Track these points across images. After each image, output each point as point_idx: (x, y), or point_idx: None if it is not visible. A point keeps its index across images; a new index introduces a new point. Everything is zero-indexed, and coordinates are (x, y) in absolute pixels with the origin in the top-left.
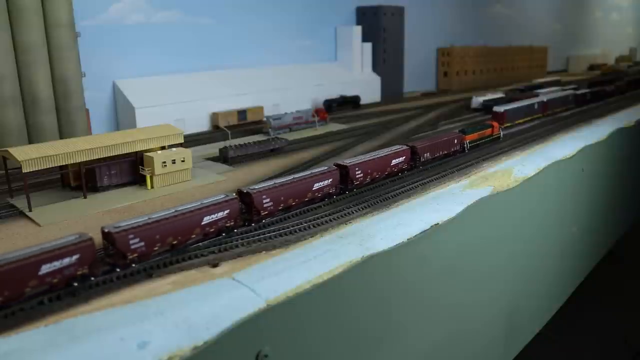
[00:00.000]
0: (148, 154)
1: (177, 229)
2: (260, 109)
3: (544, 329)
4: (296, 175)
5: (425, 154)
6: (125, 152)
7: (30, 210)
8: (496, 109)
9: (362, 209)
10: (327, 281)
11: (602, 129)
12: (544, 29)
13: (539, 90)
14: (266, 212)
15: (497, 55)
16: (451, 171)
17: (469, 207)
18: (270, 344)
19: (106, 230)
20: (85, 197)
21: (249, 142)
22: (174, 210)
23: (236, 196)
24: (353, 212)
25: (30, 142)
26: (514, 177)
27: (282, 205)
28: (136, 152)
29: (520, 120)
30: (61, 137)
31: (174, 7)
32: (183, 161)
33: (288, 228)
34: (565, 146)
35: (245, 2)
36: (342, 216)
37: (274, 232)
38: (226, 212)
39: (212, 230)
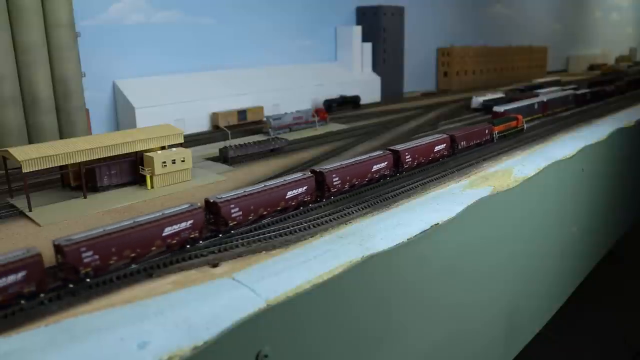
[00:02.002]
0: (148, 154)
1: (136, 241)
2: (260, 109)
3: (544, 329)
4: (268, 183)
5: (462, 142)
6: (125, 152)
7: (30, 210)
8: (496, 109)
9: (362, 209)
10: (327, 281)
11: (602, 129)
12: (544, 29)
13: (538, 90)
14: (235, 222)
15: (497, 55)
16: (451, 171)
17: (469, 207)
18: (270, 344)
19: (56, 243)
20: (85, 197)
21: (249, 142)
22: (132, 222)
23: (200, 206)
24: (353, 212)
25: (30, 142)
26: (514, 177)
27: (252, 215)
28: (136, 152)
29: None
30: (61, 137)
31: (174, 7)
32: (183, 161)
33: (288, 228)
34: (565, 146)
35: (245, 2)
36: (342, 216)
37: (274, 232)
38: (190, 222)
39: (174, 242)
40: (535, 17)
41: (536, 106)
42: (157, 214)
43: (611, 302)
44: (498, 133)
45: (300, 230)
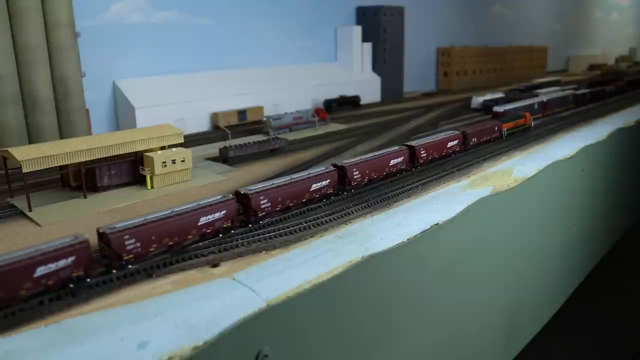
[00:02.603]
0: (148, 154)
1: (174, 230)
2: (260, 109)
3: (544, 329)
4: (294, 176)
5: (473, 139)
6: (125, 152)
7: (30, 210)
8: (496, 108)
9: (362, 209)
10: (327, 281)
11: (602, 129)
12: (544, 29)
13: (538, 90)
14: (264, 213)
15: (497, 55)
16: (451, 171)
17: (469, 207)
18: (270, 344)
19: (101, 231)
20: (85, 197)
21: (249, 142)
22: (170, 211)
23: (233, 197)
24: (353, 212)
25: (31, 142)
26: (514, 177)
27: (279, 206)
28: (136, 152)
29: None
30: (61, 137)
31: (174, 7)
32: (183, 161)
33: (288, 228)
34: (565, 146)
35: (245, 2)
36: (342, 216)
37: (273, 232)
38: (223, 212)
39: (208, 231)
40: (535, 17)
41: (536, 106)
42: (193, 204)
43: (611, 302)
44: (507, 130)
45: (300, 230)
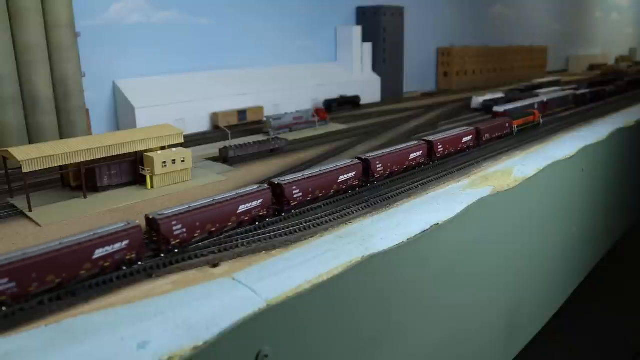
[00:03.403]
0: (148, 154)
1: (216, 217)
2: (260, 109)
3: (544, 329)
4: (323, 168)
5: (486, 135)
6: (125, 152)
7: (30, 210)
8: (496, 108)
9: (362, 209)
10: (327, 281)
11: (602, 129)
12: (544, 29)
13: (538, 90)
14: (296, 203)
15: (497, 55)
16: (451, 171)
17: (469, 207)
18: (270, 344)
19: (150, 217)
20: (85, 197)
21: (249, 142)
22: (212, 199)
23: (269, 187)
24: (353, 212)
25: (31, 142)
26: (514, 177)
27: (310, 196)
28: (136, 152)
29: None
30: (61, 137)
31: (174, 7)
32: (183, 161)
33: (288, 228)
34: (565, 146)
35: (245, 2)
36: (342, 216)
37: (273, 232)
38: (260, 201)
39: (246, 218)
40: (535, 17)
41: (536, 106)
42: (233, 193)
43: (611, 302)
44: (517, 127)
45: (300, 230)
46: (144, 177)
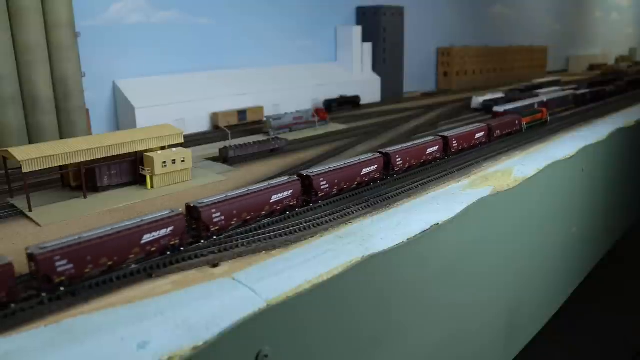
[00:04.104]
0: (148, 154)
1: (251, 206)
2: (260, 109)
3: (544, 329)
4: (347, 161)
5: (497, 131)
6: (125, 152)
7: (30, 210)
8: (496, 108)
9: (362, 209)
10: (327, 281)
11: (602, 129)
12: (544, 29)
13: (538, 90)
14: (323, 194)
15: (497, 55)
16: (451, 171)
17: (469, 207)
18: (270, 344)
19: (191, 205)
20: (85, 197)
21: (249, 142)
22: (247, 189)
23: (298, 178)
24: (353, 212)
25: (31, 142)
26: (514, 177)
27: (335, 188)
28: (136, 152)
29: None
30: (61, 137)
31: (174, 7)
32: (183, 161)
33: (288, 228)
34: (565, 146)
35: (245, 2)
36: (342, 216)
37: (273, 232)
38: (290, 192)
39: (278, 208)
40: (535, 17)
41: (536, 106)
42: (266, 184)
43: (611, 302)
44: (526, 124)
45: (300, 230)
46: (144, 177)
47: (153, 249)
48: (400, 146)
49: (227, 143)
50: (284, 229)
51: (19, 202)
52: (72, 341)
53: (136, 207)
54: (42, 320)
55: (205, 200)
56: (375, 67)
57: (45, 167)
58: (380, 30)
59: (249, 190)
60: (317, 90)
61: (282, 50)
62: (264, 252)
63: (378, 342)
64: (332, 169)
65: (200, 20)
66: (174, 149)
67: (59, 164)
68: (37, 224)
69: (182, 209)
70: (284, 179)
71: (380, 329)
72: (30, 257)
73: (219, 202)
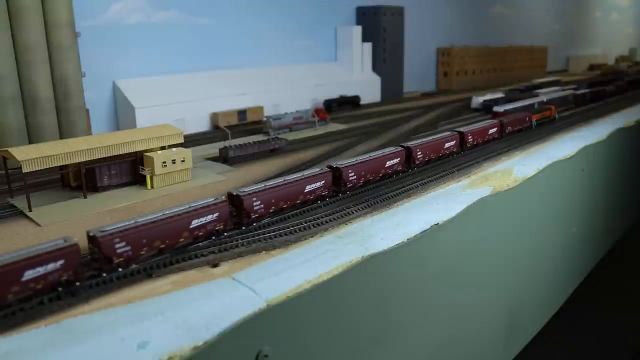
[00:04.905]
0: (148, 154)
1: (287, 195)
2: (260, 109)
3: (544, 329)
4: (372, 154)
5: (509, 127)
6: (125, 152)
7: (30, 210)
8: (496, 108)
9: (362, 209)
10: (327, 281)
11: (602, 129)
12: (544, 29)
13: (538, 90)
14: (351, 185)
15: (497, 55)
16: (451, 171)
17: (469, 207)
18: (270, 344)
19: (234, 194)
20: (85, 197)
21: (249, 142)
22: (284, 180)
23: (329, 170)
24: (353, 212)
25: (31, 142)
26: (514, 177)
27: (362, 179)
28: (136, 152)
29: None
30: (61, 137)
31: (174, 7)
32: (183, 161)
33: (288, 228)
34: (565, 146)
35: (245, 2)
36: (342, 216)
37: (273, 232)
38: (322, 182)
39: (311, 197)
40: (535, 17)
41: (536, 106)
42: (300, 175)
43: (611, 302)
44: (536, 121)
45: (300, 230)
46: (144, 177)
47: (200, 234)
48: (420, 141)
49: (227, 143)
50: (284, 229)
51: (19, 202)
52: (72, 341)
53: (136, 207)
54: (42, 320)
55: (246, 189)
56: (375, 67)
57: (45, 167)
58: (380, 30)
59: (285, 180)
60: (317, 90)
61: (282, 50)
62: (264, 252)
63: (378, 342)
64: (359, 162)
65: (200, 20)
66: (174, 149)
67: (59, 164)
68: (37, 224)
69: (225, 197)
70: (316, 170)
71: (380, 329)
72: (92, 239)
73: (259, 191)
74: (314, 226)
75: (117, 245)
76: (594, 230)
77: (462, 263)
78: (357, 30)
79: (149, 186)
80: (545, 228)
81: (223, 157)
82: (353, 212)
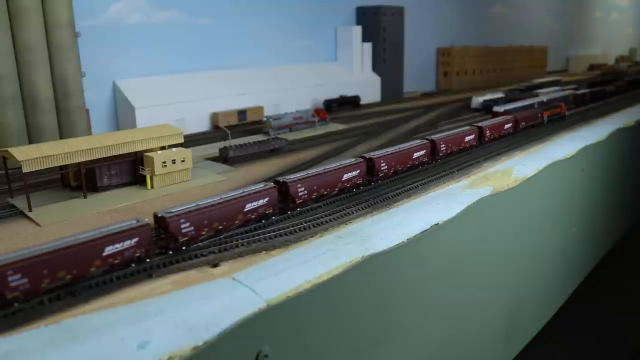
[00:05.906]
0: (148, 154)
1: (326, 183)
2: (260, 109)
3: (544, 329)
4: (401, 146)
5: (522, 123)
6: (125, 152)
7: (30, 210)
8: (496, 108)
9: (362, 209)
10: (327, 281)
11: (602, 129)
12: (544, 29)
13: (538, 90)
14: (382, 174)
15: (497, 55)
16: (451, 171)
17: (469, 207)
18: (270, 344)
19: (281, 180)
20: (85, 197)
21: (249, 142)
22: (323, 169)
23: (363, 160)
24: (353, 212)
25: (31, 142)
26: (514, 177)
27: (392, 169)
28: (136, 152)
29: None
30: (61, 137)
31: (174, 7)
32: (183, 161)
33: (288, 228)
34: (565, 146)
35: (245, 2)
36: (342, 216)
37: (274, 232)
38: (357, 172)
39: (348, 185)
40: (535, 17)
41: (536, 106)
42: (337, 165)
43: (611, 302)
44: (547, 117)
45: (300, 230)
46: (144, 177)
47: (253, 217)
48: (443, 134)
49: (227, 143)
50: (284, 229)
51: (19, 202)
52: (72, 341)
53: (136, 207)
54: (42, 320)
55: (292, 177)
56: (375, 67)
57: (45, 167)
58: (380, 30)
59: (325, 169)
60: (317, 90)
61: (282, 50)
62: (264, 252)
63: (378, 342)
64: (389, 153)
65: (200, 20)
66: (174, 149)
67: (59, 164)
68: (37, 224)
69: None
70: (352, 160)
71: (380, 329)
72: (160, 219)
73: (303, 178)
74: (314, 226)
75: (183, 226)
76: (594, 230)
77: (462, 263)
78: (357, 30)
79: (149, 186)
80: (545, 228)
81: (223, 157)
82: (353, 212)
